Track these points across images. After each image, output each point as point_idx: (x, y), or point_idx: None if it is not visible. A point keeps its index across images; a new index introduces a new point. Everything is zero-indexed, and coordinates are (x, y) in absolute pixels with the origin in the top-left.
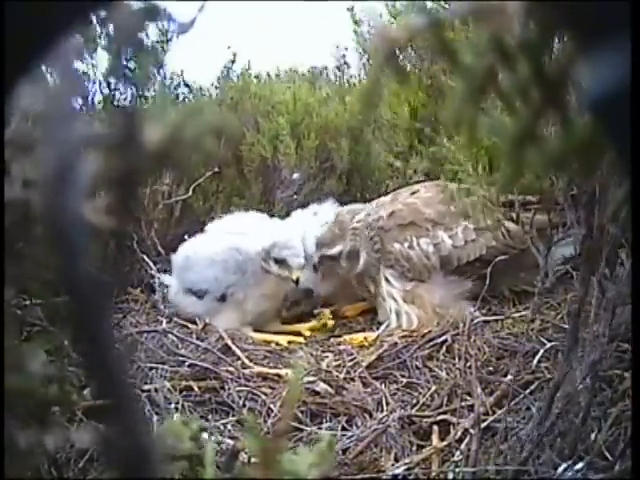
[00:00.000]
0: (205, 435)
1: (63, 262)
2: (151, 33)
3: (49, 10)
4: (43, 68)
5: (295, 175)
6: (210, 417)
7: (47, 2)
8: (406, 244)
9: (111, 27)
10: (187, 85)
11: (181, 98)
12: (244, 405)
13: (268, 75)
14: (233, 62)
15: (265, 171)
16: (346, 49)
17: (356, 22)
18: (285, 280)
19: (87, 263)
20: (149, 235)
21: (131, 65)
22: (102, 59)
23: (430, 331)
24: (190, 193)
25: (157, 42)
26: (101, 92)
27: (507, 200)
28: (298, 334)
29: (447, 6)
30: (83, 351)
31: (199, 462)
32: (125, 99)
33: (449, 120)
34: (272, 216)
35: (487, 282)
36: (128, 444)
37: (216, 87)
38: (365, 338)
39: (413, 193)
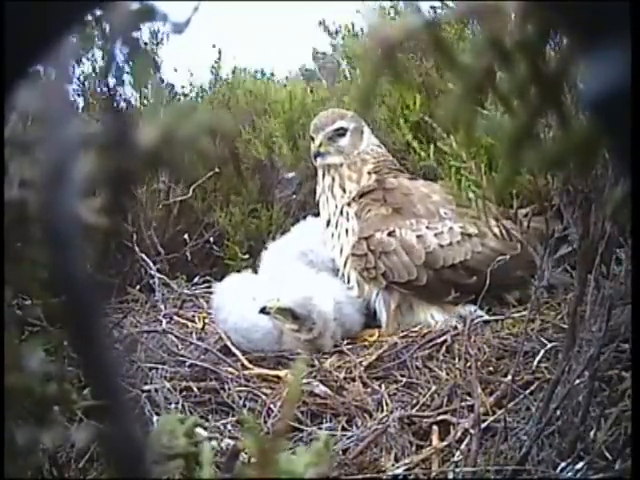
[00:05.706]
0: (203, 432)
1: (57, 261)
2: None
3: (49, 10)
4: (40, 68)
5: (289, 175)
6: (210, 417)
7: (46, 2)
8: (386, 232)
9: (106, 26)
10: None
11: (175, 97)
12: (244, 405)
13: (262, 73)
14: (219, 60)
15: (262, 170)
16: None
17: (330, 34)
18: None
19: (82, 262)
20: (148, 234)
21: (128, 65)
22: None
23: (430, 331)
24: (190, 194)
25: (150, 43)
26: (98, 92)
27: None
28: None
29: (444, 6)
30: (77, 350)
31: (196, 460)
32: (123, 99)
33: (446, 119)
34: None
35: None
36: (121, 444)
37: (202, 88)
38: (365, 339)
39: (412, 179)
